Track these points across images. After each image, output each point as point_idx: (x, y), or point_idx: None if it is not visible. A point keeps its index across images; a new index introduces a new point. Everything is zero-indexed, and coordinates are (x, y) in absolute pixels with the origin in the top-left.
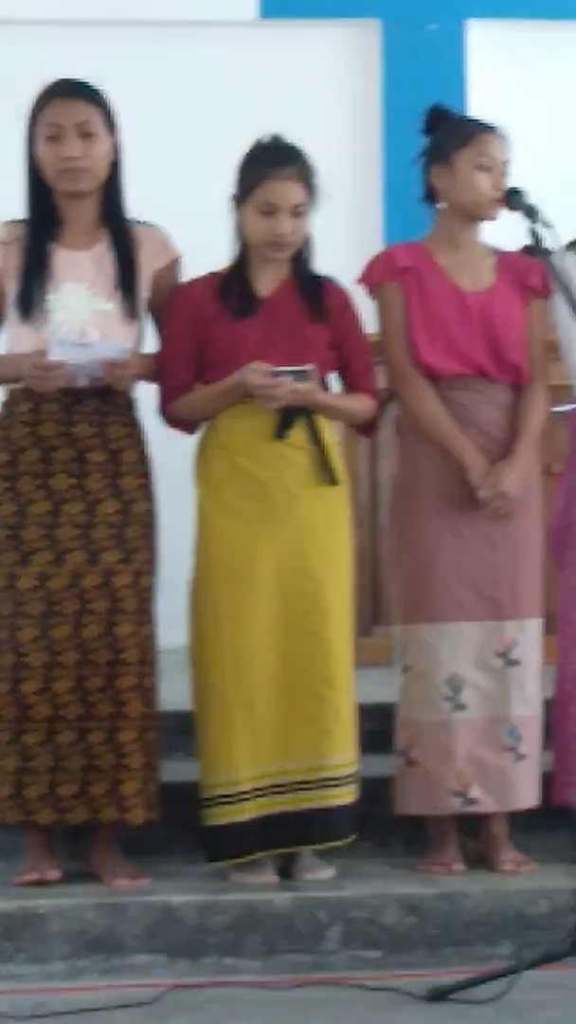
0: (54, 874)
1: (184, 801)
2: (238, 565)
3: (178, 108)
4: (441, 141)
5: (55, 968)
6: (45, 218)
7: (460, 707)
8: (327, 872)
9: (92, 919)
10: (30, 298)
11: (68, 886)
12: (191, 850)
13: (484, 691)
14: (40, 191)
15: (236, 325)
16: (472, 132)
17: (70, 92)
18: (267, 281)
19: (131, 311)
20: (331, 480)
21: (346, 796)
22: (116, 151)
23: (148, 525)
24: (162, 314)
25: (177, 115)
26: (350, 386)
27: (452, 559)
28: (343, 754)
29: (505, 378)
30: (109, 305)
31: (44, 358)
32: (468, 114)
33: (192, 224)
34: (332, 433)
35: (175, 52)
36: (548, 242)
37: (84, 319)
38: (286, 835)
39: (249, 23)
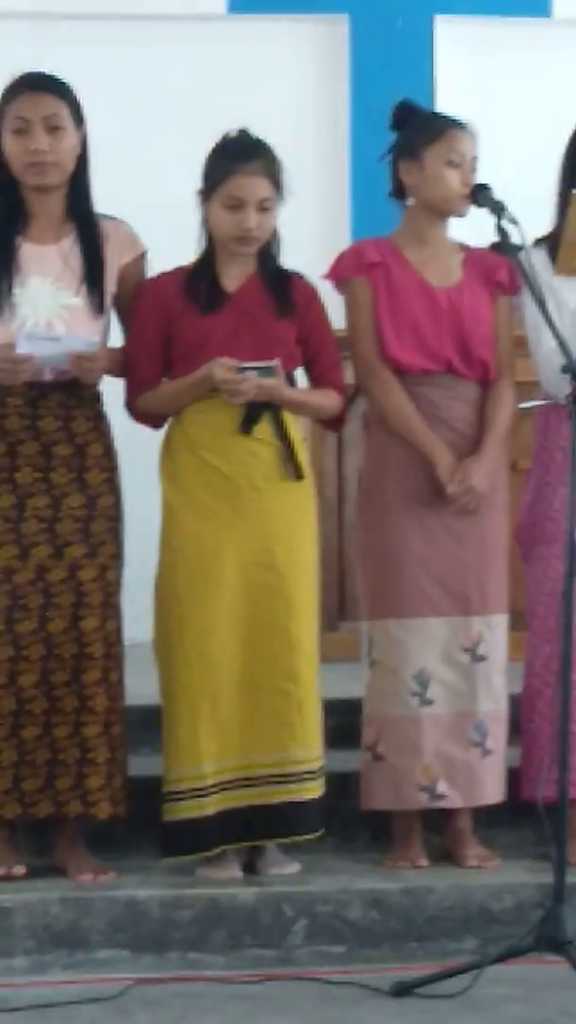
0: (19, 869)
1: (150, 796)
2: (203, 559)
3: (146, 102)
4: (410, 137)
5: (19, 963)
6: (12, 212)
7: (427, 702)
8: (292, 867)
9: (57, 914)
10: None
11: (33, 881)
12: (157, 845)
13: (451, 686)
14: (7, 185)
15: (203, 320)
16: (442, 128)
17: (37, 86)
18: (234, 276)
19: (98, 305)
20: (297, 475)
21: (311, 791)
22: (83, 145)
23: (114, 519)
24: (129, 309)
25: (145, 109)
26: (316, 381)
27: (420, 554)
28: (308, 749)
29: (473, 374)
30: (75, 299)
31: (11, 351)
32: (436, 110)
33: (160, 218)
34: (298, 428)
35: (143, 46)
36: (515, 238)
37: (50, 313)
38: (251, 829)
39: (218, 17)
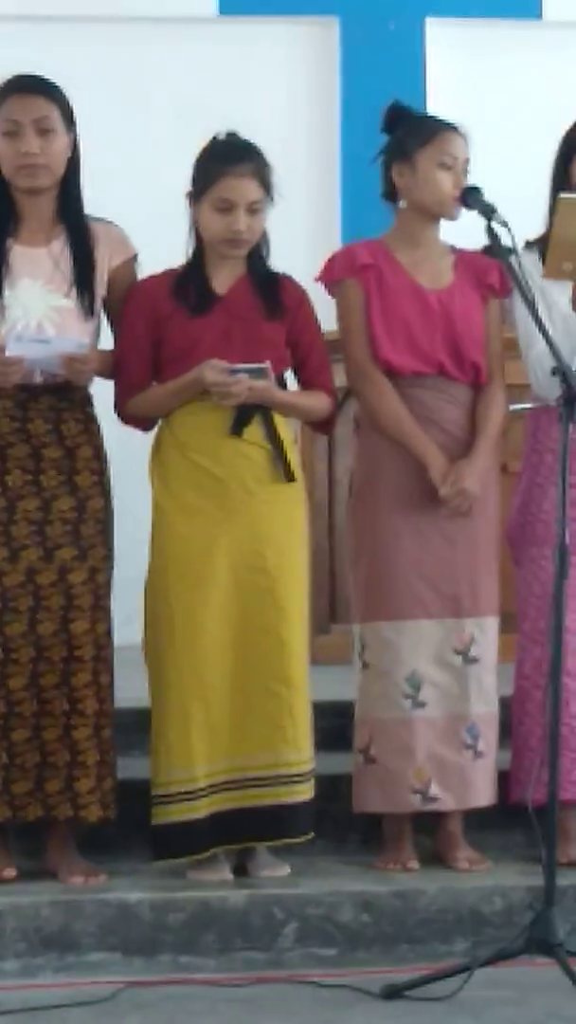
0: (10, 872)
1: (141, 798)
2: (194, 562)
3: (137, 104)
4: (403, 139)
5: (10, 966)
6: (2, 214)
7: (420, 704)
8: (282, 870)
9: (47, 916)
10: None
11: (23, 884)
12: (147, 848)
13: (443, 689)
14: None
15: (193, 322)
16: (434, 131)
17: (28, 88)
18: (223, 278)
19: (88, 308)
20: (288, 477)
21: (302, 793)
22: (74, 148)
23: (103, 522)
24: (119, 311)
25: (135, 111)
26: (306, 383)
27: (412, 556)
28: (299, 752)
29: (465, 377)
30: (66, 301)
31: (1, 354)
32: (427, 112)
33: (151, 221)
34: (289, 430)
35: (134, 48)
36: (505, 241)
37: (40, 315)
38: (242, 832)
39: (208, 20)
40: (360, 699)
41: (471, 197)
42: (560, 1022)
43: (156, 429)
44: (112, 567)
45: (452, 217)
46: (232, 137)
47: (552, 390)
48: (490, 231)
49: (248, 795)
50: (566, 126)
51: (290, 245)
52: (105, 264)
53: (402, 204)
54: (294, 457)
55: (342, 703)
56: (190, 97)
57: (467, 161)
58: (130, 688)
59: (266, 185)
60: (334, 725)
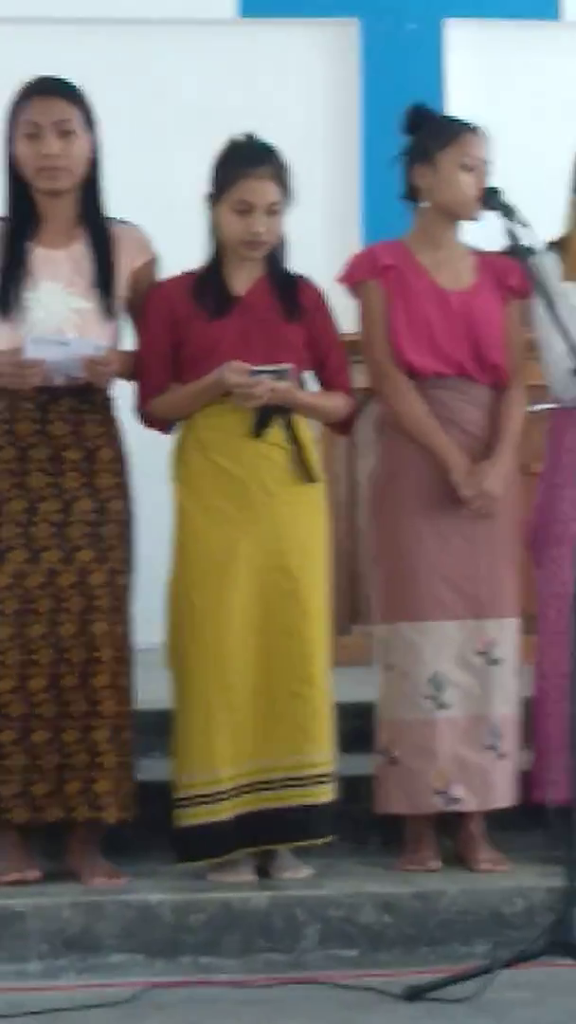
0: (34, 874)
1: (162, 800)
2: (216, 563)
3: (157, 107)
4: (424, 141)
5: (32, 967)
6: (24, 216)
7: (443, 706)
8: (304, 871)
9: (69, 918)
10: (7, 297)
11: (45, 885)
12: (169, 849)
13: (466, 690)
14: (19, 189)
15: (212, 324)
16: (456, 132)
17: (49, 90)
18: (242, 280)
19: (108, 310)
20: (309, 478)
21: (324, 795)
22: (95, 149)
23: (124, 523)
24: (140, 313)
25: (156, 114)
26: (326, 384)
27: (434, 558)
28: (321, 753)
29: (486, 378)
30: (86, 304)
31: (21, 356)
32: (447, 113)
33: (172, 223)
34: (309, 431)
35: (154, 50)
36: (525, 242)
37: (61, 317)
38: (264, 834)
39: (229, 22)
40: (382, 700)
41: (491, 198)
42: None
43: (177, 431)
44: (133, 569)
45: (473, 218)
46: (251, 139)
47: (570, 391)
48: (510, 232)
49: (271, 796)
50: None
51: (311, 246)
52: (126, 266)
53: (423, 205)
54: (315, 458)
55: (362, 704)
56: (210, 98)
57: (488, 162)
58: (151, 690)
59: (285, 187)
60: (354, 726)
